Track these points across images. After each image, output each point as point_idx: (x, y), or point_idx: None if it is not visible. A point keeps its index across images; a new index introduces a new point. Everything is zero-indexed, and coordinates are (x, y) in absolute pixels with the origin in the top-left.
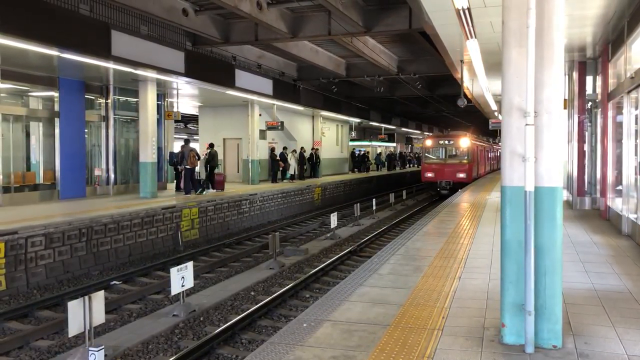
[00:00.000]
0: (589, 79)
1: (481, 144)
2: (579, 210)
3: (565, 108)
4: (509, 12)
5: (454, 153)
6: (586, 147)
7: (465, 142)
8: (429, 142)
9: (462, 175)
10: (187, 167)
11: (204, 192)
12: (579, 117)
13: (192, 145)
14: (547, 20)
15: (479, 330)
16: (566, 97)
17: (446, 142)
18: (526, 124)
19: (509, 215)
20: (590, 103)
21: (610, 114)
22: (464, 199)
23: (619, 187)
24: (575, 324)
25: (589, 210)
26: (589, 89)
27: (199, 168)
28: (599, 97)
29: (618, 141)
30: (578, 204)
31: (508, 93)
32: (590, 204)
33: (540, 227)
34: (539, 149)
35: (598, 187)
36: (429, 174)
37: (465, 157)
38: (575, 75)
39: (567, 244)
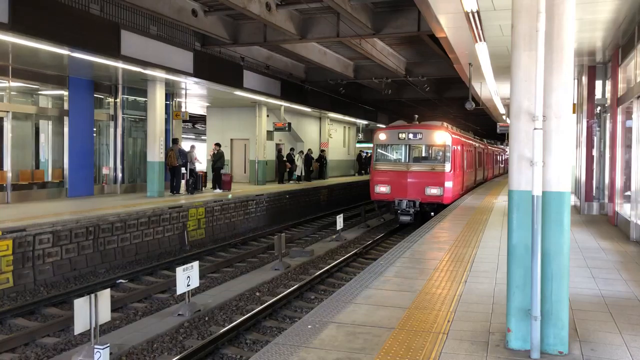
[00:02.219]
0: (599, 84)
1: (468, 141)
2: (587, 215)
3: (574, 112)
4: (518, 15)
5: (422, 155)
6: (595, 152)
7: (441, 136)
8: (382, 136)
9: (434, 190)
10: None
11: (194, 193)
12: (587, 122)
13: (194, 144)
14: (557, 24)
15: (484, 335)
16: (575, 102)
17: (410, 135)
18: (535, 128)
19: (516, 220)
20: (599, 108)
21: (619, 118)
22: (470, 203)
23: (628, 193)
24: (582, 330)
25: (596, 216)
26: (598, 94)
27: (201, 167)
28: (609, 101)
29: (627, 146)
30: (586, 209)
31: (517, 97)
32: (598, 209)
33: (548, 232)
34: (547, 153)
35: (606, 192)
36: (381, 189)
37: (442, 161)
38: (584, 79)
39: (574, 250)
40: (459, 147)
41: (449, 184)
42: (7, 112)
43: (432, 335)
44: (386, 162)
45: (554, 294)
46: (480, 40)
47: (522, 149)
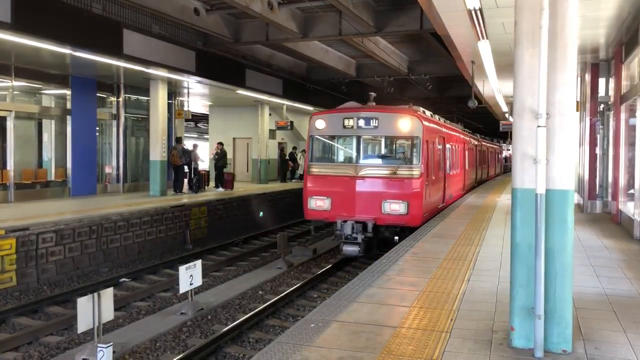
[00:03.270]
0: (602, 81)
1: (453, 133)
2: (590, 213)
3: (577, 110)
4: (521, 12)
5: (379, 151)
6: (598, 150)
7: (408, 124)
8: (319, 124)
9: (396, 206)
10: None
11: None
12: (591, 120)
13: (196, 143)
14: (560, 21)
15: (487, 334)
16: (578, 99)
17: (361, 122)
18: (538, 126)
19: (519, 218)
20: (602, 105)
21: (622, 116)
22: (473, 201)
23: (631, 191)
24: (586, 328)
25: (600, 214)
26: (601, 91)
27: (204, 166)
28: (612, 99)
29: (630, 144)
30: (589, 207)
31: (520, 94)
32: (601, 207)
33: (551, 230)
34: (551, 151)
35: (609, 190)
36: (318, 203)
37: (408, 162)
38: (587, 77)
39: (577, 248)
40: (437, 141)
41: (418, 197)
42: (10, 111)
43: (435, 334)
44: (325, 164)
45: (558, 292)
46: (483, 38)
47: (526, 147)
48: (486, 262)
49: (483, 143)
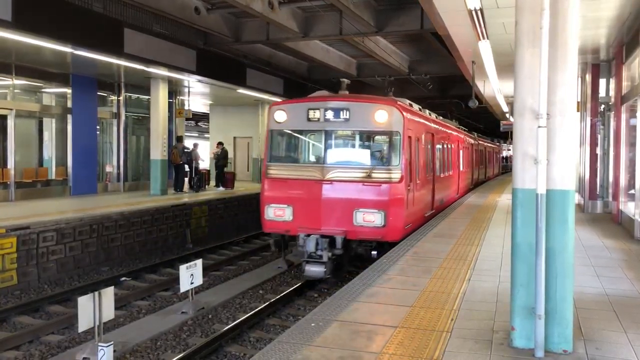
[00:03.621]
0: (602, 82)
1: (443, 129)
2: (591, 213)
3: (578, 110)
4: (522, 12)
5: (351, 150)
6: (598, 150)
7: (386, 116)
8: (279, 116)
9: (371, 217)
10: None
11: (199, 191)
12: (591, 120)
13: (196, 142)
14: (561, 21)
15: (488, 333)
16: (579, 100)
17: (329, 115)
18: (539, 126)
19: (520, 218)
20: (603, 106)
21: (623, 117)
22: (473, 201)
23: (632, 191)
24: (586, 328)
25: (600, 214)
26: (602, 92)
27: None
28: (612, 99)
29: (631, 144)
30: (590, 207)
31: (520, 95)
32: (602, 207)
33: (552, 230)
34: (552, 151)
35: (610, 190)
36: (277, 212)
37: (386, 163)
38: (588, 77)
39: (578, 248)
40: (423, 138)
41: (398, 204)
42: (11, 109)
43: (436, 334)
44: (286, 165)
45: (558, 292)
46: (484, 38)
47: (526, 147)
48: (487, 261)
49: (480, 142)
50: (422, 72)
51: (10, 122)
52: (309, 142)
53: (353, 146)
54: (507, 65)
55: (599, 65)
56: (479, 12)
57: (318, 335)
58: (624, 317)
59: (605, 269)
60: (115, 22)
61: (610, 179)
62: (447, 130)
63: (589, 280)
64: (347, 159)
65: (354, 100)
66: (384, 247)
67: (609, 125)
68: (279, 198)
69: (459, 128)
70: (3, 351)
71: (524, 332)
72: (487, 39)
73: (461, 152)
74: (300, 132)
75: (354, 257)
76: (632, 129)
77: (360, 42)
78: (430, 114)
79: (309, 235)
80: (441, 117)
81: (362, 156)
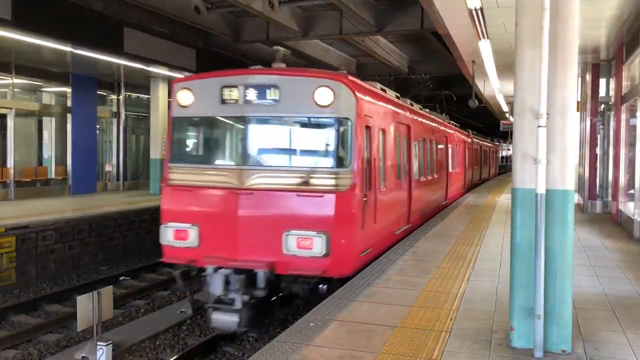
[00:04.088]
0: (602, 82)
1: (422, 120)
2: (590, 213)
3: (577, 110)
4: (522, 12)
5: (285, 146)
6: (598, 150)
7: (331, 96)
8: (185, 98)
9: (309, 242)
10: None
11: None
12: (591, 120)
13: None
14: (561, 21)
15: (487, 333)
16: (579, 100)
17: (253, 95)
18: (539, 126)
19: (519, 218)
20: (603, 106)
21: (623, 117)
22: (472, 201)
23: (631, 191)
24: (585, 329)
25: (600, 214)
26: (602, 92)
27: None
28: (612, 99)
29: (631, 144)
30: (589, 207)
31: (521, 94)
32: (601, 207)
33: (551, 231)
34: (552, 151)
35: (610, 190)
36: (179, 235)
37: (331, 166)
38: (588, 77)
39: (577, 248)
40: (392, 130)
41: (349, 224)
42: (11, 109)
43: (435, 334)
44: (192, 167)
45: (558, 292)
46: (484, 37)
47: (526, 147)
48: (486, 262)
49: (475, 140)
50: (422, 72)
51: (10, 121)
52: (223, 135)
53: (285, 140)
54: (507, 65)
55: (599, 65)
56: (479, 12)
57: (317, 334)
58: (623, 317)
59: (604, 269)
60: (115, 21)
61: (610, 179)
62: (430, 124)
63: (588, 280)
64: (275, 159)
65: (285, 73)
66: (332, 282)
67: (608, 125)
68: (180, 214)
69: (449, 123)
70: (2, 350)
71: (523, 332)
72: (487, 38)
73: (450, 150)
74: (212, 119)
75: (289, 297)
76: (632, 128)
77: (360, 41)
78: (407, 102)
79: (219, 270)
80: (430, 111)
81: (298, 154)
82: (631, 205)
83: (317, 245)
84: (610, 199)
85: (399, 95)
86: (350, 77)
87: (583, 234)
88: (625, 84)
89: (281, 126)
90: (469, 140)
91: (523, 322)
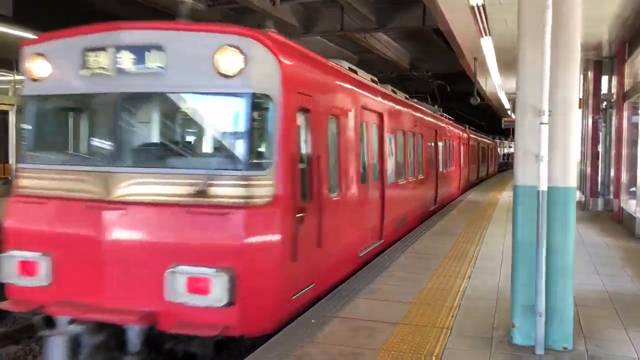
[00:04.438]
0: (604, 79)
1: (400, 108)
2: (592, 211)
3: (579, 108)
4: (524, 10)
5: (174, 138)
6: (600, 148)
7: (239, 63)
8: (39, 68)
9: (205, 283)
10: None
11: None
12: (593, 117)
13: None
14: (563, 19)
15: (488, 331)
16: (581, 97)
17: (127, 62)
18: (540, 123)
19: (521, 216)
20: (605, 103)
21: (625, 114)
22: (474, 198)
23: (633, 189)
24: (587, 326)
25: (601, 212)
26: (604, 89)
27: None
28: (614, 97)
29: (632, 142)
30: (591, 204)
31: (523, 92)
32: (603, 205)
33: (553, 228)
34: (553, 148)
35: (611, 188)
36: (25, 267)
37: (244, 168)
38: (590, 74)
39: (579, 246)
40: (352, 117)
41: (267, 256)
42: (12, 105)
43: (436, 330)
44: (45, 168)
45: (559, 290)
46: (486, 34)
47: (528, 144)
48: (487, 259)
49: (472, 136)
50: (424, 69)
51: (12, 118)
52: (85, 122)
53: (173, 128)
54: (509, 62)
55: (600, 62)
56: (481, 8)
57: (319, 331)
58: (625, 315)
59: (605, 267)
60: (113, 17)
61: (612, 176)
62: (414, 113)
63: (589, 278)
64: (158, 157)
65: (173, 27)
66: (242, 340)
67: (610, 123)
68: (29, 238)
69: (441, 116)
70: (3, 346)
71: (524, 329)
72: (489, 35)
73: (442, 146)
74: (71, 98)
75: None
76: (633, 126)
77: (362, 38)
78: (395, 92)
79: (73, 323)
80: (416, 101)
81: (191, 150)
82: (633, 202)
83: (215, 288)
84: (611, 196)
85: (375, 79)
86: (272, 34)
87: (584, 232)
88: (627, 81)
89: (167, 108)
90: (465, 135)
91: (524, 320)
